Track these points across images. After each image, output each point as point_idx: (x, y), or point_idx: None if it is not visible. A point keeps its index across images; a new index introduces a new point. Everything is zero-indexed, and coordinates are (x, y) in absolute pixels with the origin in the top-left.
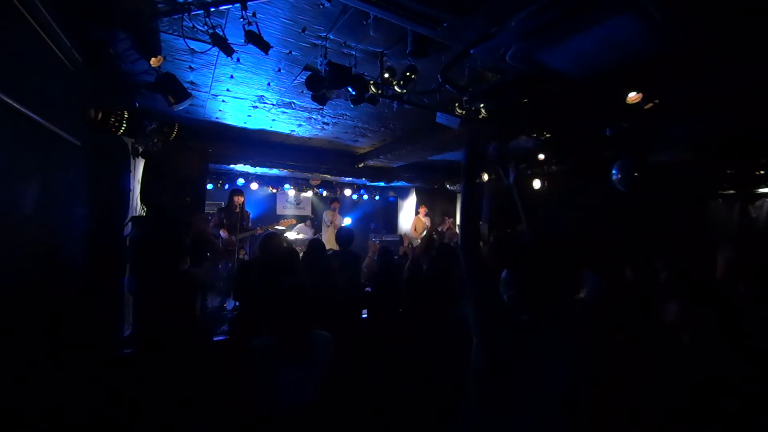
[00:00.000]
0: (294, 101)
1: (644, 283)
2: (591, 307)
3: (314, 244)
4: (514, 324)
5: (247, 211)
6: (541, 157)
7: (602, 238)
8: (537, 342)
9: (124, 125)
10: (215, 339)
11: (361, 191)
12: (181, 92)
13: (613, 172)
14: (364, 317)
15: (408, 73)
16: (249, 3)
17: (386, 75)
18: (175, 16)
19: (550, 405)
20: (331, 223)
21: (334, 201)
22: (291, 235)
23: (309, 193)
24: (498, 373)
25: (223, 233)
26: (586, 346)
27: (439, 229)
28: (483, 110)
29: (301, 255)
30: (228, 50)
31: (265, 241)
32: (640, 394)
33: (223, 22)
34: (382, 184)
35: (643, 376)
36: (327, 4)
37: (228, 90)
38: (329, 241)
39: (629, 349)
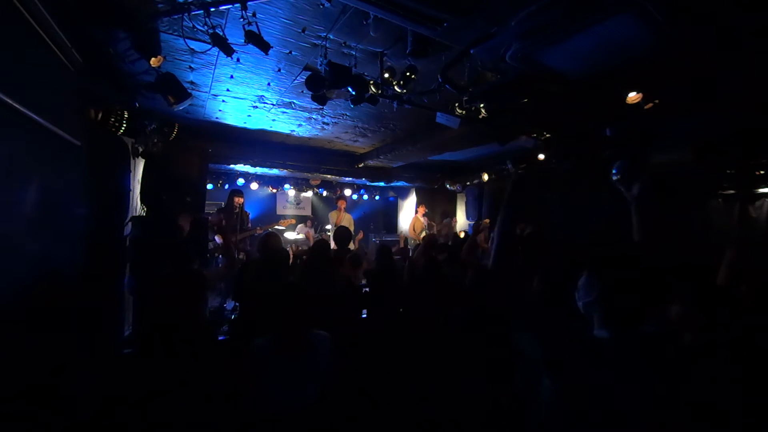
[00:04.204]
0: (294, 101)
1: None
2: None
3: (319, 245)
4: (588, 342)
5: (246, 212)
6: (541, 157)
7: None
8: (615, 365)
9: (124, 125)
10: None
11: (361, 191)
12: (181, 92)
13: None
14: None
15: (408, 73)
16: (249, 3)
17: (386, 75)
18: (175, 16)
19: None
20: (335, 225)
21: (340, 199)
22: (291, 235)
23: (309, 193)
24: (574, 405)
25: (218, 239)
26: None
27: (436, 230)
28: (483, 110)
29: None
30: (228, 50)
31: (264, 241)
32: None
33: (223, 22)
34: (382, 184)
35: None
36: (327, 4)
37: (228, 90)
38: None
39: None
